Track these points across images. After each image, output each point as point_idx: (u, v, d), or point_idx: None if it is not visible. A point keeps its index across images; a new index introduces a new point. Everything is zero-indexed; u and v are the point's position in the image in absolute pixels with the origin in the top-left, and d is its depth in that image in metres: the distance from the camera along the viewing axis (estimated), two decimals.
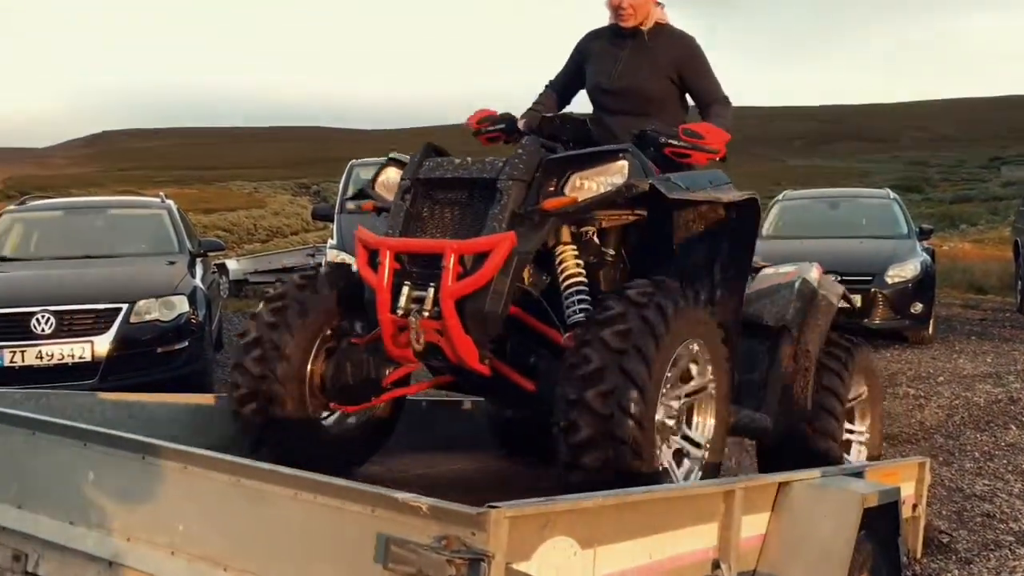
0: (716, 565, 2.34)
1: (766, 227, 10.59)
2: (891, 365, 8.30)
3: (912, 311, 9.16)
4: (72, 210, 8.31)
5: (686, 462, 2.69)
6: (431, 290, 2.61)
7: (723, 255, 3.01)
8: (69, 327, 5.87)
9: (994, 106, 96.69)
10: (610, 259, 2.94)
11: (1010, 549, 4.17)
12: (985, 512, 4.62)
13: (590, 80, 3.35)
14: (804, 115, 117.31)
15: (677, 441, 2.65)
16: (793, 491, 2.65)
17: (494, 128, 3.28)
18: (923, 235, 10.24)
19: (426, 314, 2.61)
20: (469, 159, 2.80)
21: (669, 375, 2.54)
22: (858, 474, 3.01)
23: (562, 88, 3.49)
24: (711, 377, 2.73)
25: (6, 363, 5.76)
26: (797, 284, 3.54)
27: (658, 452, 2.49)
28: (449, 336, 2.60)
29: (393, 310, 2.65)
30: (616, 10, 3.20)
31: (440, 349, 2.66)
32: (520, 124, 3.25)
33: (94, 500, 2.08)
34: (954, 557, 4.10)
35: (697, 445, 2.71)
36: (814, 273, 3.68)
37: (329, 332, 2.98)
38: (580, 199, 2.65)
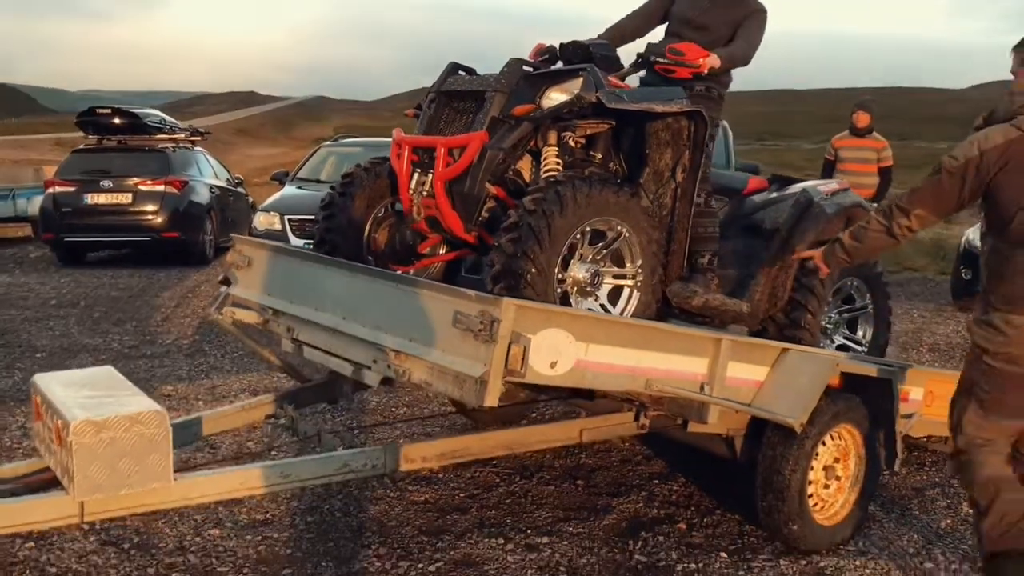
0: (702, 387, 3.45)
1: None
2: None
3: None
4: (369, 147, 10.35)
5: (623, 295, 3.58)
6: (430, 175, 3.54)
7: (683, 160, 3.73)
8: None
9: None
10: (597, 160, 3.74)
11: None
12: None
13: (677, 10, 4.20)
14: None
15: (607, 282, 3.52)
16: (789, 355, 3.64)
17: (541, 60, 3.87)
18: None
19: (425, 193, 3.56)
20: (476, 76, 3.69)
21: (579, 238, 3.35)
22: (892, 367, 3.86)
23: (645, 18, 4.32)
24: (626, 232, 3.49)
25: None
26: (797, 195, 4.25)
27: (566, 290, 3.35)
28: (439, 210, 3.53)
29: (409, 191, 3.63)
30: None
31: (437, 221, 3.60)
32: (534, 53, 3.94)
33: (325, 295, 3.60)
34: None
35: (625, 277, 3.57)
36: (822, 188, 4.38)
37: (383, 208, 3.93)
38: (546, 107, 3.43)
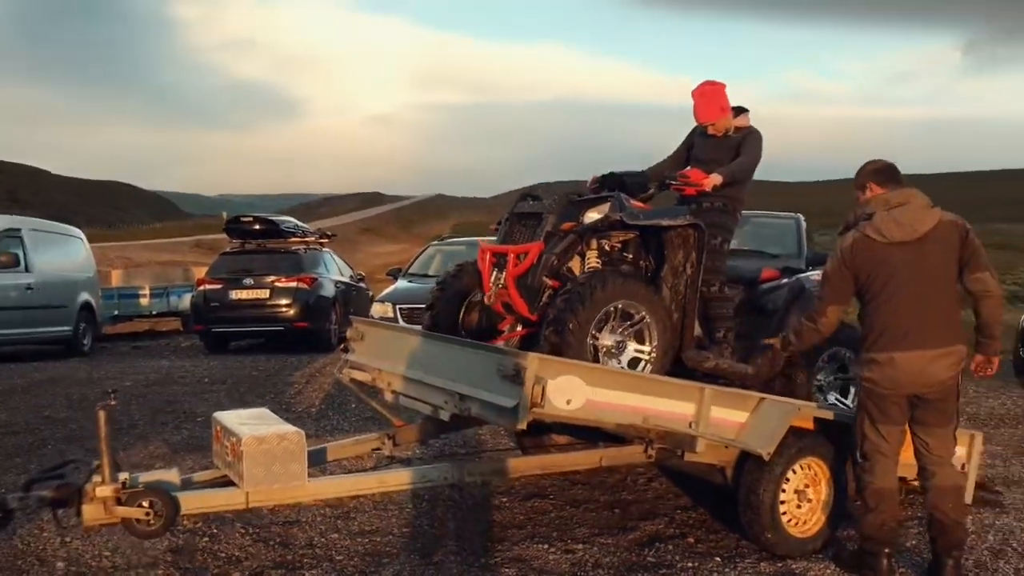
0: (691, 425, 4.57)
1: None
2: None
3: None
4: (471, 244, 11.85)
5: (639, 364, 4.82)
6: (504, 273, 4.88)
7: (691, 259, 5.01)
8: None
9: None
10: (629, 259, 5.06)
11: None
12: None
13: (695, 152, 5.57)
14: None
15: (626, 358, 4.78)
16: (765, 403, 4.74)
17: (595, 186, 5.26)
18: None
19: (501, 286, 4.88)
20: (538, 201, 5.06)
21: (611, 311, 4.65)
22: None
23: (675, 159, 5.68)
24: (648, 318, 4.79)
25: None
26: (791, 283, 5.57)
27: (600, 355, 4.63)
28: (511, 298, 4.84)
29: (490, 284, 4.97)
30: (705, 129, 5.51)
31: (510, 306, 4.92)
32: (590, 183, 5.34)
33: (413, 358, 4.93)
34: (996, 509, 5.59)
35: (642, 352, 4.83)
36: (813, 277, 5.59)
37: (472, 296, 5.20)
38: (585, 223, 4.85)
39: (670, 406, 4.53)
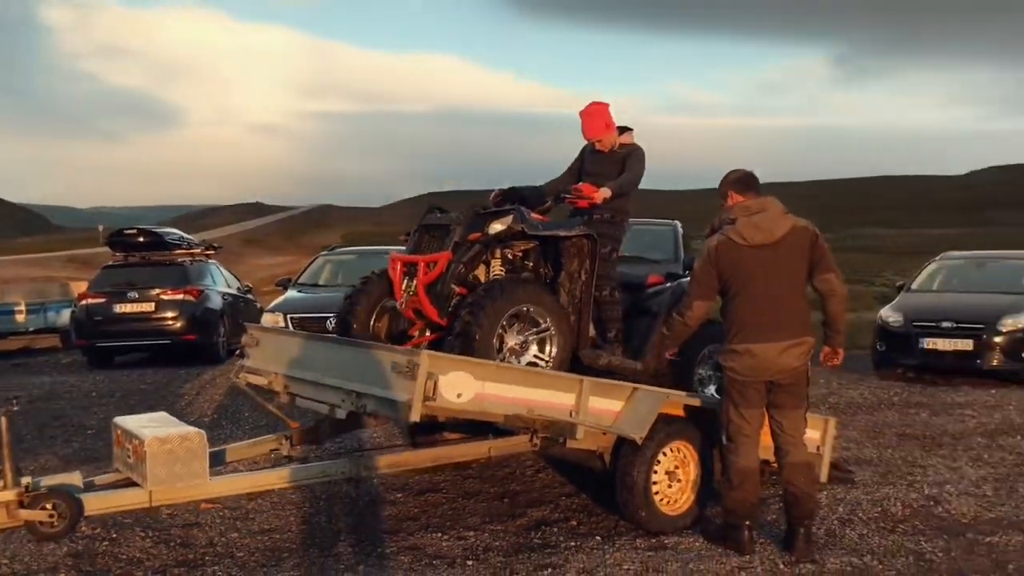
0: (571, 414, 4.96)
1: (916, 283, 12.23)
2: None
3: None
4: (361, 254, 12.04)
5: (539, 363, 5.23)
6: (415, 281, 5.23)
7: (585, 266, 5.46)
8: None
9: None
10: (530, 267, 5.50)
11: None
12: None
13: (586, 167, 5.97)
14: None
15: (528, 357, 5.19)
16: (638, 392, 5.17)
17: (498, 200, 5.70)
18: None
19: (411, 293, 5.23)
20: (445, 214, 5.47)
21: (505, 321, 5.05)
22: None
23: (570, 174, 6.05)
24: (549, 325, 5.24)
25: None
26: (674, 287, 6.00)
27: (505, 354, 5.02)
28: (422, 304, 5.19)
29: (402, 292, 5.33)
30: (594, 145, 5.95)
31: (421, 312, 5.26)
32: (493, 197, 5.74)
33: (308, 360, 5.16)
34: (848, 485, 6.18)
35: (542, 361, 5.24)
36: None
37: (383, 303, 5.50)
38: (490, 233, 5.25)
39: (552, 397, 4.91)
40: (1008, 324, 10.39)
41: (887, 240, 59.48)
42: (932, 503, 5.75)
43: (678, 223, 9.80)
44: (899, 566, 4.65)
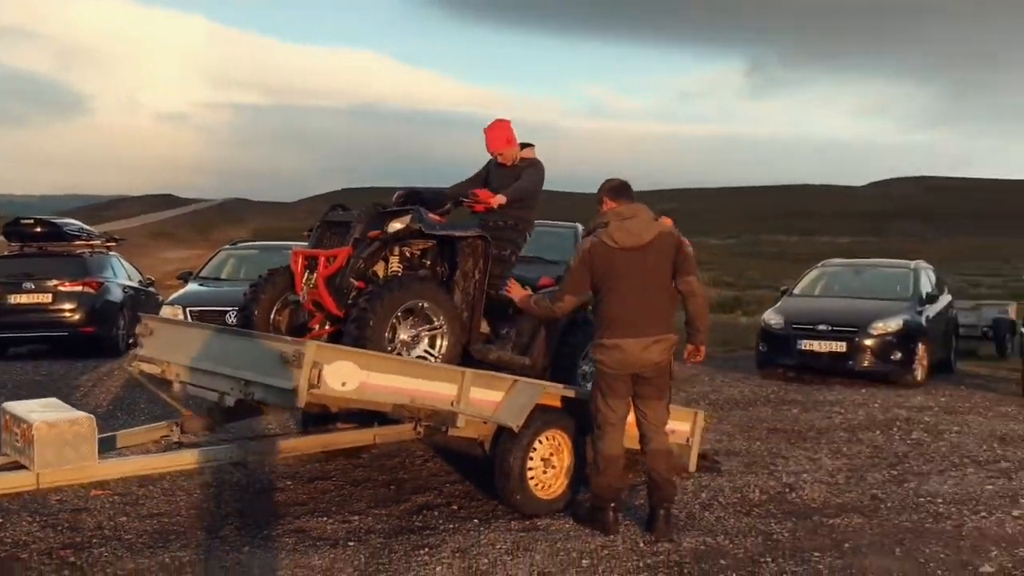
0: (453, 403, 5.26)
1: (798, 288, 12.93)
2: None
3: (893, 359, 11.20)
4: (264, 249, 12.13)
5: (429, 357, 5.50)
6: (315, 275, 5.50)
7: (479, 266, 5.79)
8: None
9: None
10: (427, 265, 5.79)
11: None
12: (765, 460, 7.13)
13: (490, 178, 6.31)
14: None
15: (419, 351, 5.47)
16: (518, 384, 5.50)
17: (401, 200, 6.03)
18: (928, 299, 12.14)
19: (312, 286, 5.50)
20: (347, 211, 5.73)
21: (400, 314, 5.32)
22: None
23: (474, 180, 6.37)
24: (442, 322, 5.51)
25: None
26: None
27: (397, 347, 5.29)
28: (321, 297, 5.46)
29: (303, 285, 5.58)
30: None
31: (320, 305, 5.51)
32: (395, 197, 6.06)
33: (200, 349, 5.34)
34: (714, 473, 6.64)
35: (434, 347, 5.52)
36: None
37: (286, 296, 5.74)
38: (389, 231, 5.51)
39: (435, 387, 5.20)
40: (879, 328, 11.10)
41: (796, 247, 61.53)
42: (787, 490, 6.24)
43: (579, 225, 10.21)
44: (748, 545, 5.08)
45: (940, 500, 6.04)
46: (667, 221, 11.59)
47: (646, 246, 5.19)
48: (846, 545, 5.12)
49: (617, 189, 5.44)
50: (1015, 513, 5.75)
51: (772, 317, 11.91)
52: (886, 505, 5.92)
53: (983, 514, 5.73)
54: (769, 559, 4.85)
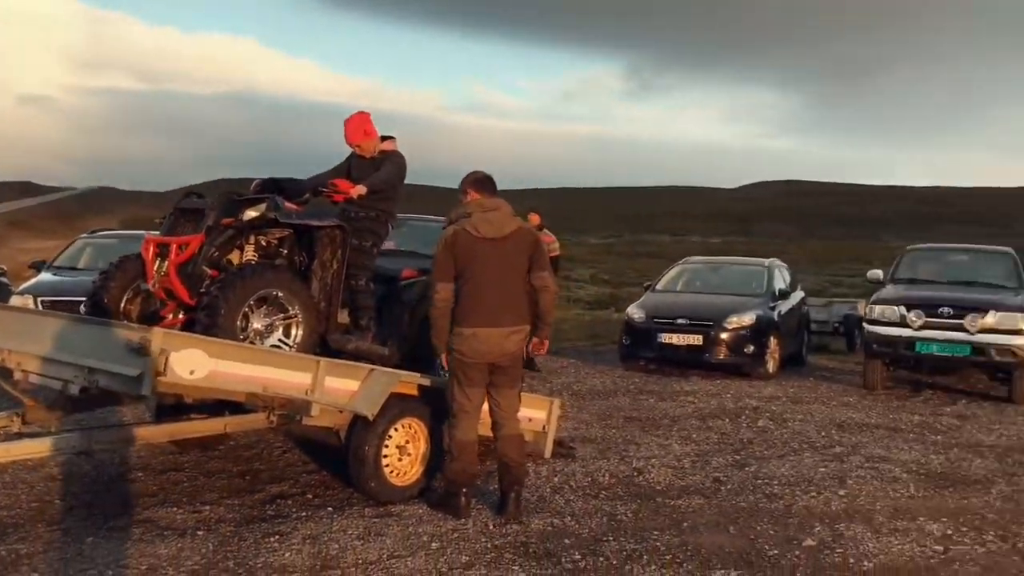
0: (307, 392, 5.28)
1: (660, 284, 13.39)
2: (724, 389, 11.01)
3: (746, 351, 11.74)
4: (123, 238, 11.75)
5: (283, 347, 5.52)
6: (167, 262, 5.47)
7: (337, 255, 5.85)
8: None
9: None
10: (284, 255, 5.79)
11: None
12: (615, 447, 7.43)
13: (352, 171, 6.33)
14: (907, 195, 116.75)
15: (273, 339, 5.47)
16: (374, 373, 5.57)
17: (257, 188, 6.00)
18: (781, 296, 12.78)
19: (164, 274, 5.44)
20: (202, 199, 5.69)
21: (253, 303, 5.30)
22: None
23: (336, 172, 6.38)
24: (297, 311, 5.52)
25: None
26: (426, 280, 6.46)
27: (250, 336, 5.28)
28: (173, 286, 5.42)
29: (154, 273, 5.49)
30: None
31: (172, 293, 5.45)
32: (253, 186, 6.04)
33: (44, 337, 5.20)
34: (568, 459, 6.87)
35: (289, 337, 5.53)
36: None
37: (137, 284, 5.65)
38: (244, 219, 5.50)
39: (289, 376, 5.20)
40: (733, 322, 11.61)
41: (670, 247, 63.26)
42: (636, 474, 6.51)
43: None
44: (592, 525, 5.30)
45: (776, 482, 6.41)
46: (535, 218, 11.91)
47: (506, 238, 5.33)
48: (685, 524, 5.39)
49: (481, 181, 5.56)
50: (841, 492, 6.17)
51: (635, 312, 12.29)
52: (726, 487, 6.25)
53: (813, 494, 6.12)
54: (611, 538, 5.07)
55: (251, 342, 5.33)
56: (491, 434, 5.64)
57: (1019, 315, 10.21)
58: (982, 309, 10.24)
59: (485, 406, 5.49)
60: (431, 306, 5.40)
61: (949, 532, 5.37)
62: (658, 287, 13.26)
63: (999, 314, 10.19)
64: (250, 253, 5.69)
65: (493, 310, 5.29)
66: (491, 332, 5.29)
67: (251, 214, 5.56)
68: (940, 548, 5.08)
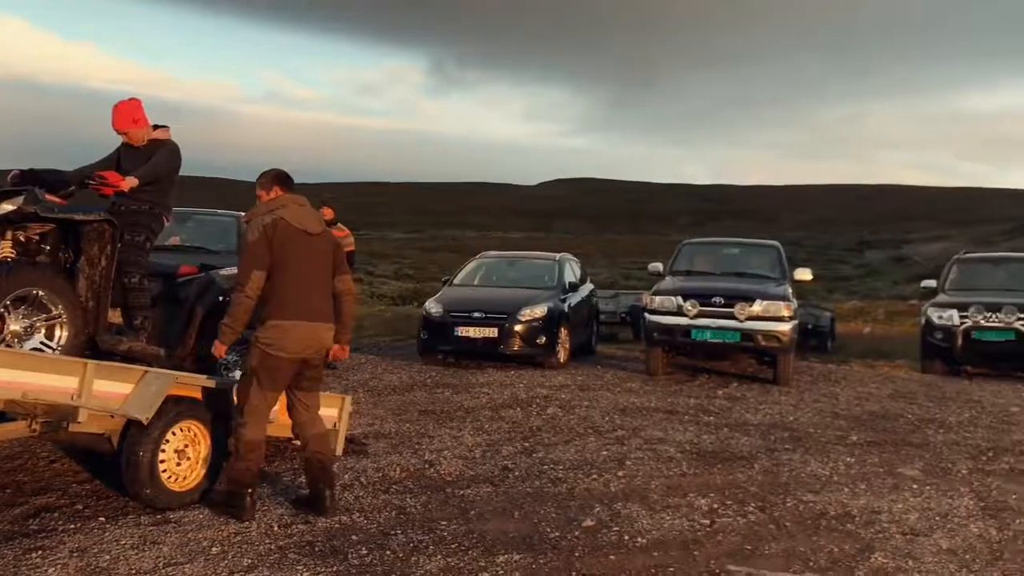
0: (73, 397, 4.97)
1: (458, 278, 13.55)
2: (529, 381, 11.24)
3: (539, 342, 12.10)
4: None
5: (46, 349, 5.21)
6: None
7: (106, 251, 5.54)
8: None
9: (875, 192, 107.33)
10: (47, 252, 5.42)
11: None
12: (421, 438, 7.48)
13: (122, 162, 6.03)
14: (693, 193, 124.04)
15: (34, 342, 5.15)
16: (148, 375, 5.31)
17: (15, 179, 5.54)
18: (571, 288, 13.25)
19: None
20: None
21: (9, 303, 4.98)
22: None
23: (106, 162, 6.06)
24: (61, 311, 5.22)
25: None
26: (203, 278, 6.31)
27: (6, 339, 4.94)
28: None
29: None
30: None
31: None
32: (10, 177, 5.58)
33: None
34: (361, 456, 6.84)
35: (49, 348, 5.21)
36: (224, 272, 6.47)
37: None
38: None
39: (52, 380, 4.87)
40: (526, 314, 11.92)
41: (473, 242, 64.03)
42: (427, 466, 6.57)
43: (241, 214, 9.98)
44: (381, 519, 5.31)
45: (561, 467, 6.67)
46: (328, 212, 11.76)
47: (319, 235, 5.32)
48: (472, 512, 5.51)
49: (285, 178, 5.47)
50: (620, 473, 6.50)
51: (432, 306, 12.38)
52: (513, 474, 6.44)
53: (594, 476, 6.41)
54: (399, 531, 5.10)
55: (8, 345, 4.96)
56: (281, 435, 5.55)
57: (782, 303, 11.10)
58: (750, 298, 11.05)
59: (279, 405, 5.42)
60: (239, 296, 5.15)
61: (715, 506, 5.77)
62: (456, 281, 13.41)
63: (764, 303, 11.04)
64: (7, 249, 5.29)
65: (314, 303, 5.22)
66: (313, 326, 5.22)
67: (6, 207, 5.16)
68: (707, 522, 5.46)
